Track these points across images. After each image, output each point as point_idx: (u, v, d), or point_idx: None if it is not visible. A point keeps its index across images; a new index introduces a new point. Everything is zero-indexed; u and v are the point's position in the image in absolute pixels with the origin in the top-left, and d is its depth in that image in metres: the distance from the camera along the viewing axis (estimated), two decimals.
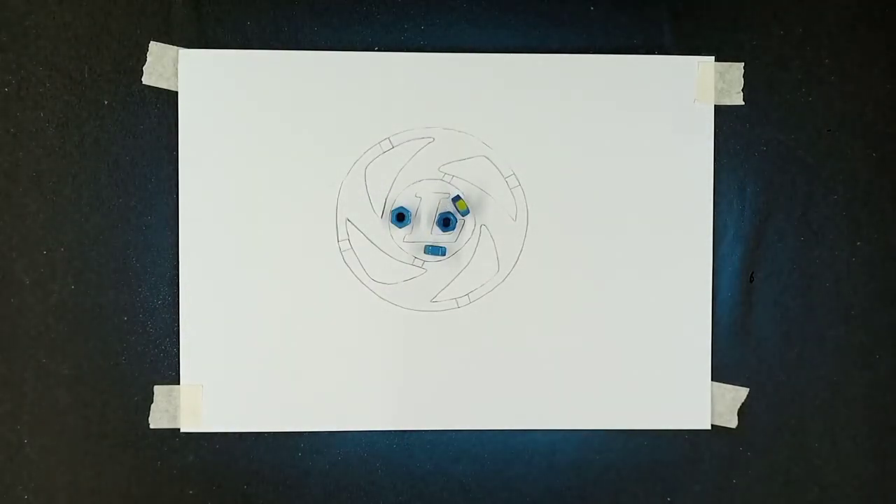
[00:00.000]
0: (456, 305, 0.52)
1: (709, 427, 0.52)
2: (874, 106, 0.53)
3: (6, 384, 0.51)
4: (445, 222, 0.51)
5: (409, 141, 0.51)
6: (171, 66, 0.51)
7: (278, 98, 0.51)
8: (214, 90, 0.51)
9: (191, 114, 0.51)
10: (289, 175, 0.51)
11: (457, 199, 0.51)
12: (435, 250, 0.51)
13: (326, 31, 0.51)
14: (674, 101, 0.52)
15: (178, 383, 0.51)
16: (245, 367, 0.51)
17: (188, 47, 0.51)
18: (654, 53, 0.52)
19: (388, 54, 0.51)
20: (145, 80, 0.51)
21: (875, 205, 0.53)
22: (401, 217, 0.51)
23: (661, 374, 0.52)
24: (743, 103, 0.53)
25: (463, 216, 0.52)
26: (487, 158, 0.52)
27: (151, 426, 0.51)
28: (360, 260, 0.51)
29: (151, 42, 0.51)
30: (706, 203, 0.52)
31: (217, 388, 0.51)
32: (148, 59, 0.51)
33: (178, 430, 0.51)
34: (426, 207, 0.52)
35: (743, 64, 0.52)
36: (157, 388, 0.51)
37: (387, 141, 0.51)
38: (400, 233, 0.52)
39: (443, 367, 0.52)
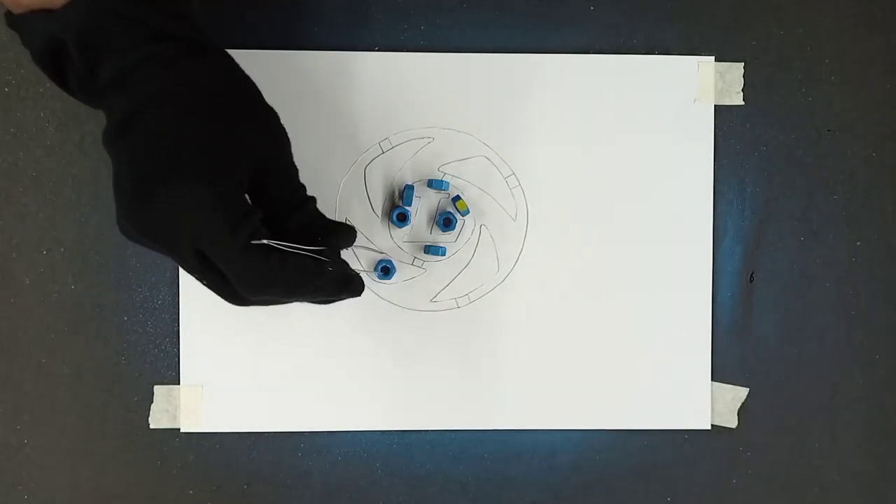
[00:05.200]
0: (456, 305, 0.52)
1: (709, 427, 0.52)
2: (874, 106, 0.53)
3: (6, 384, 0.51)
4: (445, 222, 0.51)
5: (408, 141, 0.51)
6: None
7: (278, 98, 0.51)
8: None
9: None
10: None
11: (457, 199, 0.51)
12: (435, 250, 0.51)
13: (326, 31, 0.51)
14: (674, 101, 0.52)
15: (178, 383, 0.51)
16: (245, 367, 0.51)
17: None
18: (654, 53, 0.52)
19: (388, 54, 0.51)
20: None
21: (875, 205, 0.53)
22: (401, 217, 0.51)
23: (661, 374, 0.52)
24: (743, 103, 0.53)
25: (463, 216, 0.52)
26: (487, 158, 0.52)
27: (151, 426, 0.51)
28: (361, 260, 0.51)
29: None
30: (706, 203, 0.52)
31: (217, 388, 0.51)
32: None
33: (178, 430, 0.51)
34: (426, 207, 0.52)
35: (743, 64, 0.52)
36: (157, 388, 0.51)
37: (387, 141, 0.51)
38: (400, 233, 0.52)
39: (443, 367, 0.51)
